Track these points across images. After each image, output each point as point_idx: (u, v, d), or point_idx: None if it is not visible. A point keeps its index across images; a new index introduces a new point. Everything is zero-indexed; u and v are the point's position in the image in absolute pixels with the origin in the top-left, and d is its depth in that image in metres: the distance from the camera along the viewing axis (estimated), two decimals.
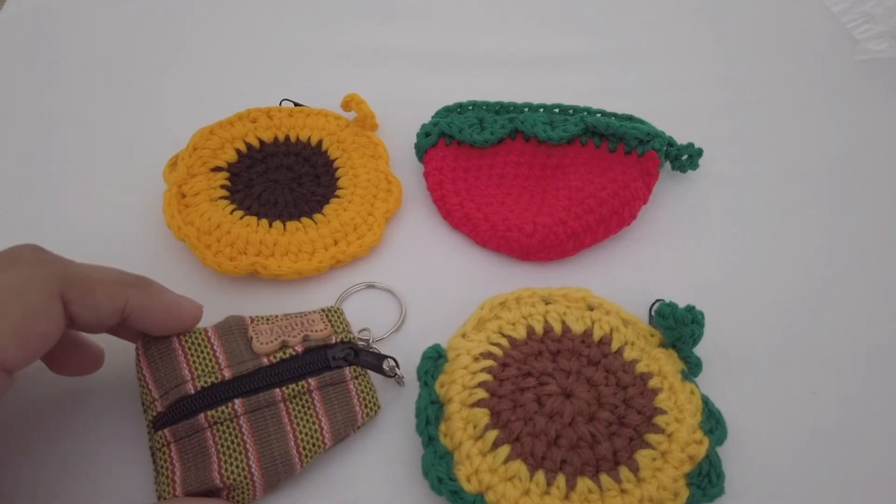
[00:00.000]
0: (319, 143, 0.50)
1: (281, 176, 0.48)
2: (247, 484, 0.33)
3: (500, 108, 0.51)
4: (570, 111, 0.51)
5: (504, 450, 0.34)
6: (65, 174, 0.51)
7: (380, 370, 0.38)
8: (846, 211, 0.50)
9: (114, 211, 0.48)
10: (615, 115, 0.51)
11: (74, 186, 0.50)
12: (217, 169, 0.47)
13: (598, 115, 0.51)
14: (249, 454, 0.34)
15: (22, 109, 0.56)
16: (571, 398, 0.36)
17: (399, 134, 0.52)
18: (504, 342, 0.38)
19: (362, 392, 0.37)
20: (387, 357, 0.38)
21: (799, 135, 0.55)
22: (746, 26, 0.65)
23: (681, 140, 0.50)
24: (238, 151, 0.48)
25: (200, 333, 0.37)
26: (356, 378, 0.37)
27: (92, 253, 0.42)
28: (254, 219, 0.45)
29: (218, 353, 0.36)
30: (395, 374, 0.38)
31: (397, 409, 0.39)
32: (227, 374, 0.35)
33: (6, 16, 0.65)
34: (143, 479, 0.36)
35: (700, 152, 0.50)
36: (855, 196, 0.51)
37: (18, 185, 0.50)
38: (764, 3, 0.67)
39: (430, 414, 0.36)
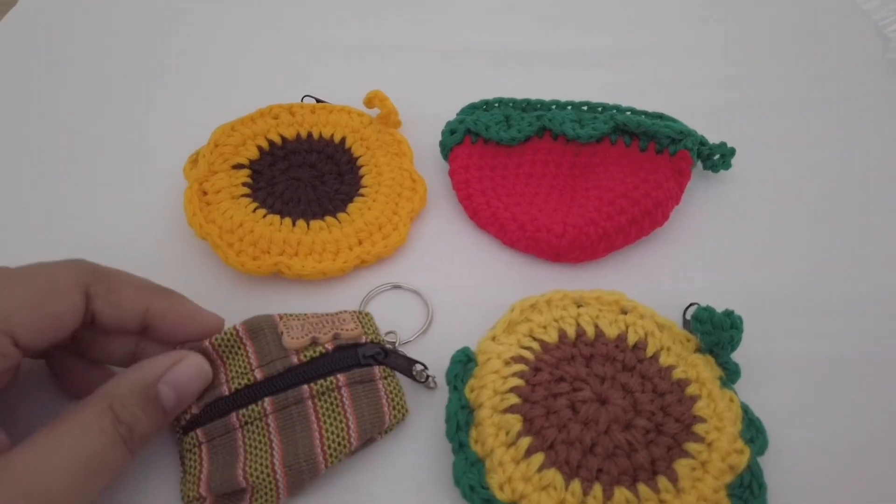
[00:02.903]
0: (342, 140, 0.49)
1: (303, 173, 0.47)
2: (270, 484, 0.33)
3: (528, 106, 0.50)
4: (599, 109, 0.50)
5: (538, 457, 0.33)
6: (85, 171, 0.50)
7: (409, 373, 0.37)
8: (884, 211, 0.48)
9: (134, 208, 0.47)
10: (645, 112, 0.50)
11: (95, 184, 0.49)
12: (238, 166, 0.46)
13: (628, 112, 0.49)
14: (275, 453, 0.33)
15: (41, 106, 0.55)
16: (606, 405, 0.35)
17: (423, 131, 0.51)
18: (535, 346, 0.37)
19: (391, 393, 0.36)
20: (417, 361, 0.37)
21: (832, 134, 0.54)
22: (778, 23, 0.63)
23: (711, 138, 0.49)
24: (260, 148, 0.47)
25: (231, 334, 0.36)
26: (385, 378, 0.36)
27: (113, 251, 0.41)
28: (276, 217, 0.44)
29: (250, 355, 0.36)
30: (425, 377, 0.37)
31: (425, 415, 0.37)
32: (259, 374, 0.35)
33: (22, 10, 0.64)
34: (167, 481, 0.35)
35: (733, 152, 0.49)
36: (894, 196, 0.49)
37: (39, 183, 0.49)
38: (796, 1, 0.65)
39: (461, 419, 0.34)
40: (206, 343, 0.36)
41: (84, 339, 0.35)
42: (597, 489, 0.32)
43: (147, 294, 0.34)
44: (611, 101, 0.51)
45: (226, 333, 0.36)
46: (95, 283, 0.33)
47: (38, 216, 0.47)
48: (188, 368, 0.33)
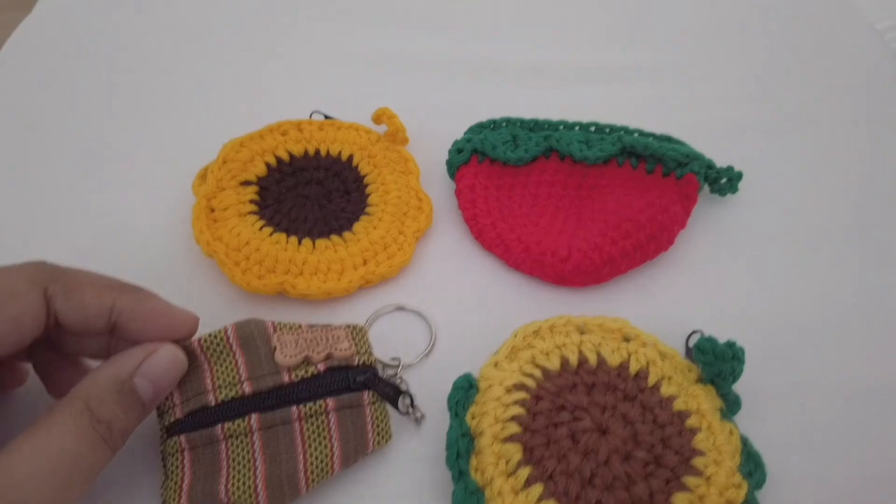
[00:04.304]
0: (350, 157, 0.49)
1: (310, 191, 0.47)
2: (251, 502, 0.33)
3: (535, 126, 0.50)
4: (607, 130, 0.50)
5: (537, 488, 0.33)
6: (94, 183, 0.50)
7: (395, 404, 0.37)
8: (894, 235, 0.48)
9: (142, 222, 0.48)
10: (653, 135, 0.50)
11: (103, 195, 0.50)
12: (246, 182, 0.46)
13: (636, 134, 0.49)
14: (258, 471, 0.33)
15: (49, 117, 0.55)
16: (607, 435, 0.35)
17: (430, 147, 0.51)
18: (537, 373, 0.37)
19: (377, 419, 0.36)
20: (405, 393, 0.37)
21: (842, 157, 0.54)
22: (789, 42, 0.63)
23: (719, 159, 0.49)
24: (268, 165, 0.47)
25: (221, 337, 0.36)
26: (373, 403, 0.37)
27: (121, 264, 0.41)
28: (283, 236, 0.44)
29: (240, 364, 0.36)
30: (409, 412, 0.37)
31: (423, 439, 0.38)
32: (248, 388, 0.35)
33: (33, 22, 0.64)
34: (150, 482, 0.35)
35: (740, 176, 0.48)
36: None
37: (45, 194, 0.50)
38: (808, 20, 0.65)
39: (461, 447, 0.35)
40: (195, 343, 0.36)
41: (56, 338, 0.35)
42: None
43: (110, 292, 0.33)
44: (618, 119, 0.51)
45: (215, 335, 0.36)
46: (54, 283, 0.32)
47: (45, 228, 0.47)
48: (163, 359, 0.33)
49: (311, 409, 0.35)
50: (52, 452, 0.28)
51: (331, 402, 0.36)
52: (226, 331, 0.36)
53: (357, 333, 0.39)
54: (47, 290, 0.32)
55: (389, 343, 0.41)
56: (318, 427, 0.35)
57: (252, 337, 0.36)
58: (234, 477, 0.33)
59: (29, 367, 0.37)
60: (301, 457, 0.34)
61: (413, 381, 0.40)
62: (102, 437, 0.30)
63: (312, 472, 0.34)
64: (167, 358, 0.33)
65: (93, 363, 0.38)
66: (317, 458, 0.34)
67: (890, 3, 0.63)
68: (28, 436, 0.29)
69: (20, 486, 0.27)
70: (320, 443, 0.35)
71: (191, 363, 0.35)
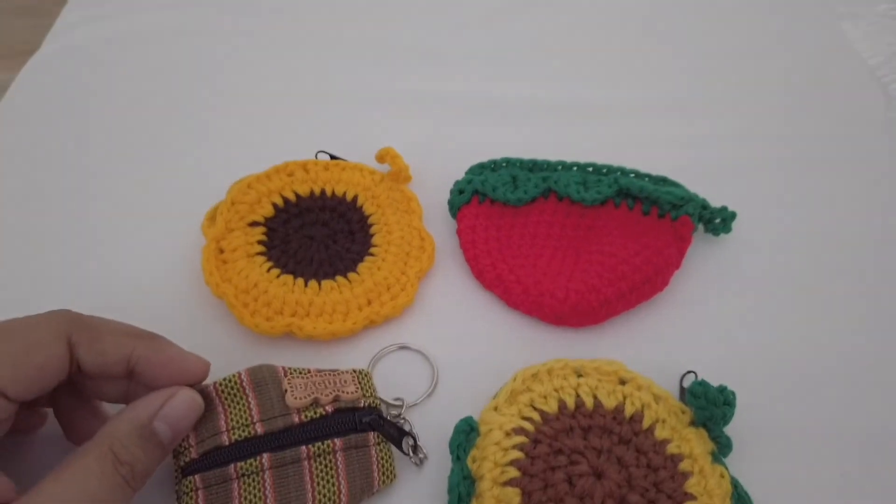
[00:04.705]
0: (354, 198, 0.50)
1: (316, 232, 0.48)
2: None
3: (534, 166, 0.52)
4: (604, 171, 0.51)
5: None
6: (102, 223, 0.51)
7: (398, 446, 0.39)
8: (889, 278, 0.49)
9: (152, 263, 0.49)
10: (649, 175, 0.51)
11: (113, 235, 0.51)
12: (254, 223, 0.48)
13: (632, 175, 0.51)
14: None
15: (59, 159, 0.56)
16: (602, 479, 0.36)
17: (431, 185, 0.53)
18: (536, 416, 0.39)
19: (382, 459, 0.38)
20: (408, 434, 0.39)
21: (835, 195, 0.54)
22: (782, 80, 0.64)
23: (713, 198, 0.50)
24: (275, 205, 0.49)
25: (235, 381, 0.38)
26: (378, 444, 0.38)
27: (130, 306, 0.43)
28: (290, 277, 0.45)
29: (252, 407, 0.37)
30: (410, 454, 0.39)
31: (425, 479, 0.39)
32: (260, 429, 0.37)
33: (41, 60, 0.66)
34: None
35: (733, 216, 0.50)
36: None
37: (56, 236, 0.50)
38: (800, 57, 0.66)
39: (462, 490, 0.36)
40: (211, 387, 0.38)
41: (77, 382, 0.37)
42: None
43: (129, 340, 0.35)
44: (615, 156, 0.52)
45: (229, 379, 0.38)
46: (78, 332, 0.34)
47: (54, 269, 0.48)
48: (181, 403, 0.35)
49: (319, 448, 0.37)
50: (77, 495, 0.30)
51: (338, 442, 0.37)
52: (240, 375, 0.38)
53: (362, 378, 0.40)
54: (71, 339, 0.34)
55: (393, 382, 0.43)
56: (326, 466, 0.37)
57: (264, 381, 0.38)
58: None
59: (48, 411, 0.39)
60: (310, 494, 0.36)
61: (416, 420, 0.41)
62: (125, 478, 0.32)
63: None
64: (185, 402, 0.35)
65: (110, 409, 0.39)
66: (325, 495, 0.36)
67: (882, 39, 0.65)
68: (54, 478, 0.31)
69: None
70: (328, 481, 0.36)
71: (207, 406, 0.37)
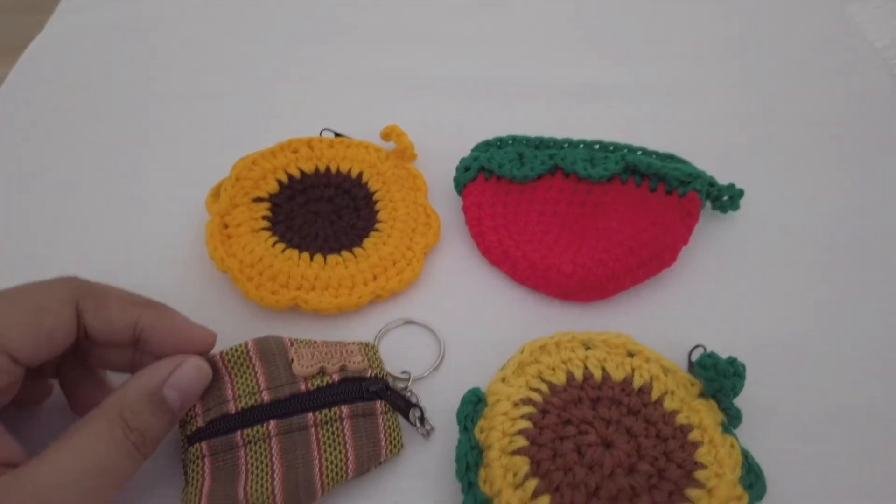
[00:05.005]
0: (360, 175, 0.50)
1: (321, 208, 0.48)
2: None
3: (541, 144, 0.51)
4: (611, 148, 0.51)
5: (544, 500, 0.34)
6: (108, 201, 0.51)
7: (406, 416, 0.38)
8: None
9: (157, 238, 0.49)
10: (656, 153, 0.51)
11: (117, 213, 0.51)
12: (259, 199, 0.48)
13: (639, 152, 0.51)
14: (275, 475, 0.35)
15: (63, 138, 0.56)
16: (611, 449, 0.36)
17: (438, 163, 0.53)
18: (544, 388, 0.39)
19: (389, 428, 0.38)
20: (415, 406, 0.39)
21: (843, 174, 0.54)
22: (790, 61, 0.64)
23: (721, 177, 0.50)
24: (279, 182, 0.49)
25: (241, 351, 0.38)
26: (385, 413, 0.38)
27: (137, 279, 0.42)
28: (295, 252, 0.45)
29: (258, 375, 0.37)
30: (417, 424, 0.39)
31: (432, 450, 0.39)
32: (266, 396, 0.37)
33: (45, 40, 0.66)
34: (169, 491, 0.37)
35: (741, 193, 0.50)
36: None
37: (61, 212, 0.51)
38: (808, 38, 0.66)
39: (470, 460, 0.36)
40: (217, 356, 0.37)
41: (83, 349, 0.37)
42: None
43: (136, 308, 0.36)
44: (622, 136, 0.52)
45: (236, 349, 0.38)
46: (85, 298, 0.35)
47: (60, 246, 0.49)
48: (190, 371, 0.35)
49: (326, 415, 0.37)
50: (87, 459, 0.30)
51: (345, 409, 0.37)
52: (246, 345, 0.38)
53: (369, 350, 0.40)
54: (78, 305, 0.34)
55: (399, 356, 0.42)
56: (333, 433, 0.36)
57: (271, 350, 0.38)
58: (252, 481, 0.35)
59: (54, 382, 0.39)
60: (317, 461, 0.36)
61: (422, 394, 0.41)
62: (135, 444, 0.32)
63: (328, 476, 0.35)
64: (194, 369, 0.35)
65: (115, 381, 0.39)
66: (332, 462, 0.36)
67: (889, 22, 0.64)
68: (63, 443, 0.30)
69: (55, 492, 0.29)
70: (335, 448, 0.36)
71: (213, 375, 0.37)
